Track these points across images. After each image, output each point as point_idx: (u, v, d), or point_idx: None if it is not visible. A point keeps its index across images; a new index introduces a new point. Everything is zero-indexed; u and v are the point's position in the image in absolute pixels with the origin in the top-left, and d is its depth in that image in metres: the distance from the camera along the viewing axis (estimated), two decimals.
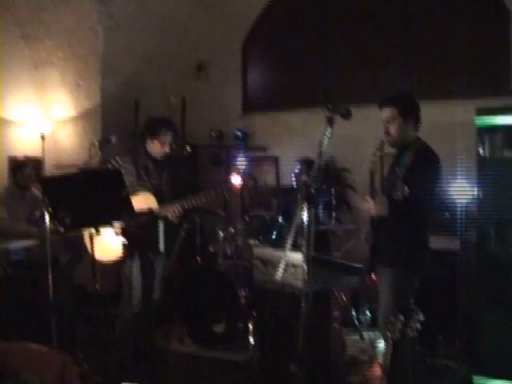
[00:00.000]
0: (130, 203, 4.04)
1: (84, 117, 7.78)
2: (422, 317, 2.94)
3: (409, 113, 4.15)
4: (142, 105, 7.77)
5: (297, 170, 6.27)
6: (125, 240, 4.54)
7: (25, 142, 7.75)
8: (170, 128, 5.15)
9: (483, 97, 5.87)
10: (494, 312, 4.96)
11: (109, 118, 7.55)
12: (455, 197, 5.93)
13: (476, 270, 5.16)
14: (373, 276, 4.47)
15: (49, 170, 7.73)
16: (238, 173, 6.26)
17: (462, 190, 5.93)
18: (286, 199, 6.39)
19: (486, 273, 5.06)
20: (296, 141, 7.42)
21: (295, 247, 4.25)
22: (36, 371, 2.93)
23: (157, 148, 5.06)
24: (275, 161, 7.71)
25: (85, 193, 3.96)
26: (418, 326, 2.94)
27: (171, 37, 7.92)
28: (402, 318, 2.96)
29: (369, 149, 6.10)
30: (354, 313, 5.85)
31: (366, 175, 6.39)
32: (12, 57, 7.63)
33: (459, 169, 5.95)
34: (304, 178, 3.66)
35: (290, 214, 5.96)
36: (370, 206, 3.98)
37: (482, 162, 5.15)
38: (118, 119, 7.56)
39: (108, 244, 4.77)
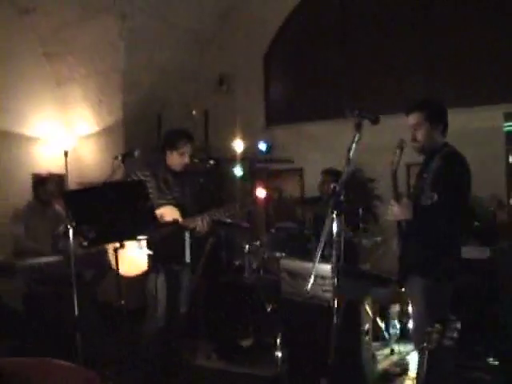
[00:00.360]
0: (155, 215, 3.98)
1: (106, 132, 7.79)
2: (459, 325, 2.83)
3: (436, 118, 4.06)
4: (165, 119, 7.74)
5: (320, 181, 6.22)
6: (150, 252, 4.48)
7: (48, 159, 7.77)
8: (189, 139, 5.10)
9: (510, 102, 5.74)
10: None
11: (131, 133, 7.54)
12: (484, 201, 5.81)
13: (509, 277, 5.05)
14: (403, 288, 4.35)
15: (72, 186, 7.71)
16: (263, 185, 6.24)
17: (490, 198, 5.80)
18: (312, 210, 6.32)
19: None
20: (320, 152, 7.37)
21: (324, 258, 4.17)
22: None
23: (176, 160, 5.01)
24: (300, 172, 7.65)
25: (108, 206, 3.90)
26: (455, 335, 2.82)
27: (193, 51, 7.95)
28: (438, 326, 2.85)
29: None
30: (383, 326, 5.73)
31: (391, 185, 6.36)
32: (34, 74, 7.70)
33: (488, 176, 5.84)
34: (333, 185, 3.52)
35: (316, 225, 5.90)
36: (395, 210, 3.88)
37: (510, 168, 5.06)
38: (141, 134, 7.53)
39: (132, 258, 4.70)
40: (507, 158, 5.07)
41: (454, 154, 4.00)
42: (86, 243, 3.96)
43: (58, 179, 7.39)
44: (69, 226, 4.35)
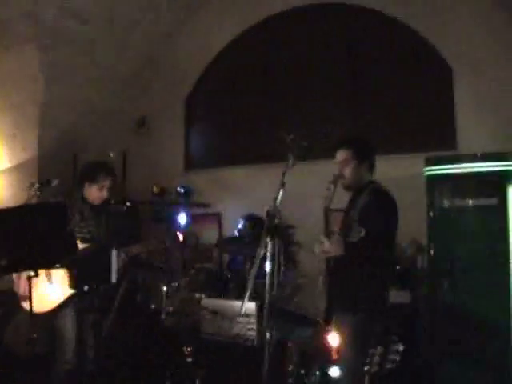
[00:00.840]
0: (74, 240, 3.75)
1: (19, 169, 7.42)
2: (401, 348, 2.75)
3: (363, 155, 4.13)
4: (81, 159, 7.49)
5: (240, 226, 6.14)
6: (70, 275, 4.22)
7: None
8: (109, 172, 5.00)
9: (431, 151, 5.87)
10: (453, 363, 4.83)
11: (46, 171, 7.23)
12: (405, 248, 5.86)
13: (430, 322, 5.06)
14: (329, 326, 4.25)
15: None
16: (180, 230, 6.12)
17: (410, 243, 5.86)
18: (229, 250, 6.23)
19: (441, 324, 4.97)
20: (239, 197, 7.33)
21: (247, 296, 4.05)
22: None
23: (94, 193, 4.88)
24: (218, 217, 7.55)
25: (23, 230, 3.63)
26: (397, 358, 2.75)
27: (114, 90, 7.79)
28: (380, 349, 2.76)
29: (314, 205, 6.03)
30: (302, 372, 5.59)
31: (311, 231, 6.32)
32: None
33: (409, 221, 5.90)
34: (267, 208, 3.46)
35: (235, 265, 5.81)
36: (325, 247, 3.82)
37: (431, 211, 5.15)
38: (55, 173, 7.20)
39: (42, 294, 4.42)
40: (428, 202, 5.16)
41: (381, 189, 4.07)
42: None
43: None
44: None
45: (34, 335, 3.79)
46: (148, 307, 5.77)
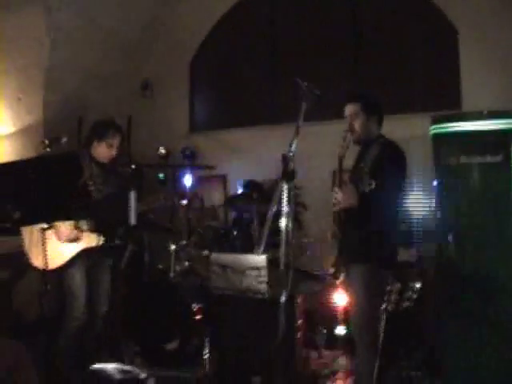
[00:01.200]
0: (89, 191, 3.78)
1: (24, 133, 7.43)
2: (418, 285, 2.82)
3: (372, 109, 4.23)
4: (86, 122, 7.48)
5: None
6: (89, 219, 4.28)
7: None
8: (118, 130, 5.04)
9: (437, 111, 5.88)
10: (455, 323, 4.88)
11: (51, 134, 7.20)
12: (412, 208, 5.91)
13: (435, 281, 5.10)
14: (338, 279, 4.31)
15: None
16: (185, 192, 6.15)
17: (419, 201, 5.91)
18: (236, 207, 6.30)
19: (445, 283, 5.00)
20: (243, 159, 7.39)
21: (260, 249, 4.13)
22: None
23: (103, 151, 4.90)
24: (223, 179, 7.58)
25: (37, 182, 3.61)
26: (415, 296, 2.81)
27: (118, 53, 7.78)
28: (398, 286, 2.82)
29: (319, 166, 6.07)
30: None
31: (316, 193, 6.37)
32: None
33: (416, 180, 5.94)
34: (283, 153, 3.52)
35: (241, 222, 5.87)
36: (338, 197, 3.88)
37: (437, 169, 5.17)
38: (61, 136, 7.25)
39: (53, 248, 4.46)
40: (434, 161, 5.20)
41: (391, 142, 4.16)
42: (9, 224, 3.73)
43: None
44: None
45: (48, 286, 3.82)
46: (155, 267, 5.82)
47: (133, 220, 3.85)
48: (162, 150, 7.22)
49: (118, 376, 3.22)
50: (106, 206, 4.51)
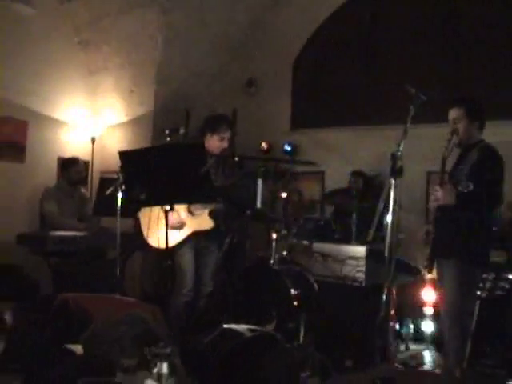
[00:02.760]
0: (211, 180, 4.09)
1: (135, 123, 7.95)
2: (510, 276, 2.98)
3: (474, 114, 4.31)
4: (193, 114, 7.92)
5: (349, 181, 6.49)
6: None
7: (75, 144, 7.95)
8: (230, 125, 5.33)
9: None
10: None
11: (160, 125, 7.66)
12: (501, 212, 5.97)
13: None
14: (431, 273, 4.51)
15: (96, 173, 7.86)
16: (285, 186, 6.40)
17: (507, 205, 5.95)
18: (333, 202, 6.50)
19: None
20: (340, 157, 7.61)
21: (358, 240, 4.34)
22: None
23: (216, 143, 5.16)
24: (321, 175, 7.85)
25: (163, 168, 3.95)
26: (508, 286, 2.96)
27: (224, 51, 8.18)
28: (493, 274, 2.99)
29: (414, 166, 6.24)
30: (397, 325, 5.85)
31: (408, 192, 6.53)
32: (68, 61, 7.90)
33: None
34: (392, 152, 3.73)
35: (340, 215, 6.08)
36: (438, 195, 4.07)
37: None
38: (169, 127, 7.67)
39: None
40: None
41: (491, 148, 4.25)
42: (134, 204, 4.11)
43: (84, 165, 7.51)
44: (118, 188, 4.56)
45: (169, 262, 4.17)
46: (256, 254, 6.07)
47: (259, 204, 4.12)
48: (264, 145, 7.54)
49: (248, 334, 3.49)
50: (235, 191, 4.83)
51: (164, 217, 4.09)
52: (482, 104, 4.47)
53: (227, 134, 5.23)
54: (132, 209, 4.83)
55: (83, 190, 7.14)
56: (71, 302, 3.40)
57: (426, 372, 4.60)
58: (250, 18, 8.26)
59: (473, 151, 4.19)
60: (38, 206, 6.64)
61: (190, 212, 4.93)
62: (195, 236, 5.04)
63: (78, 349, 3.04)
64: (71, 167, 6.71)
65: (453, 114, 4.34)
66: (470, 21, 7.14)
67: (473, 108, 4.35)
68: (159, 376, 2.74)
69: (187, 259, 5.08)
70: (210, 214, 4.93)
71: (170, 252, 4.72)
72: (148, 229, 4.82)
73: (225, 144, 5.23)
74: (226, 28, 8.02)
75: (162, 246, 4.49)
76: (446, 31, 7.30)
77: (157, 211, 4.46)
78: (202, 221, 4.97)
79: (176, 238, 4.90)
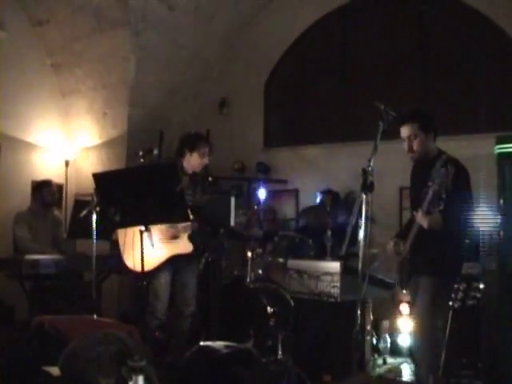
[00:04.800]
0: (184, 199, 4.12)
1: (109, 145, 7.97)
2: (482, 286, 3.03)
3: (428, 127, 4.26)
4: (167, 135, 7.95)
5: (318, 200, 6.52)
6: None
7: (48, 167, 7.98)
8: (207, 141, 5.43)
9: (502, 131, 6.02)
10: None
11: (134, 147, 7.67)
12: (478, 224, 6.07)
13: (498, 295, 5.27)
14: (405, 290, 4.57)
15: (70, 196, 7.86)
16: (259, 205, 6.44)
17: (484, 217, 6.06)
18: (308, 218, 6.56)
19: (509, 297, 5.19)
20: (315, 175, 7.65)
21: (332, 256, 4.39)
22: None
23: (196, 160, 5.20)
24: (295, 193, 7.90)
25: (137, 188, 3.99)
26: (478, 294, 3.02)
27: (197, 72, 8.24)
28: (464, 284, 3.05)
29: (387, 182, 6.33)
30: (374, 339, 5.92)
31: (383, 208, 6.61)
32: (40, 84, 7.96)
33: (481, 198, 6.10)
34: (362, 167, 3.77)
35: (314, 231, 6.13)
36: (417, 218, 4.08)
37: (502, 188, 5.37)
38: (143, 148, 7.69)
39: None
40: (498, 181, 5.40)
41: (454, 160, 4.14)
42: (110, 226, 4.12)
43: (58, 188, 7.49)
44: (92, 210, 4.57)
45: (145, 283, 4.18)
46: (232, 273, 6.10)
47: (232, 222, 4.14)
48: (238, 164, 7.60)
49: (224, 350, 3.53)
50: (209, 210, 4.85)
51: (140, 238, 4.11)
52: (431, 115, 4.48)
53: (206, 150, 5.27)
54: (107, 231, 4.83)
55: (57, 213, 7.12)
56: (47, 324, 3.40)
57: (400, 381, 4.66)
58: (222, 40, 8.35)
59: (437, 165, 3.97)
60: (11, 230, 6.59)
61: (175, 237, 4.92)
62: (172, 259, 4.99)
63: (54, 371, 3.04)
64: (44, 189, 6.70)
65: (407, 131, 4.26)
66: (439, 37, 7.29)
67: (426, 121, 4.30)
68: None
69: (163, 284, 5.07)
70: (189, 238, 4.92)
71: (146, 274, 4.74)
72: (124, 251, 4.81)
73: (206, 160, 5.27)
74: (199, 49, 8.09)
75: (138, 268, 4.43)
76: (417, 47, 7.43)
77: (131, 233, 4.47)
78: (181, 244, 4.95)
79: (154, 261, 4.85)
